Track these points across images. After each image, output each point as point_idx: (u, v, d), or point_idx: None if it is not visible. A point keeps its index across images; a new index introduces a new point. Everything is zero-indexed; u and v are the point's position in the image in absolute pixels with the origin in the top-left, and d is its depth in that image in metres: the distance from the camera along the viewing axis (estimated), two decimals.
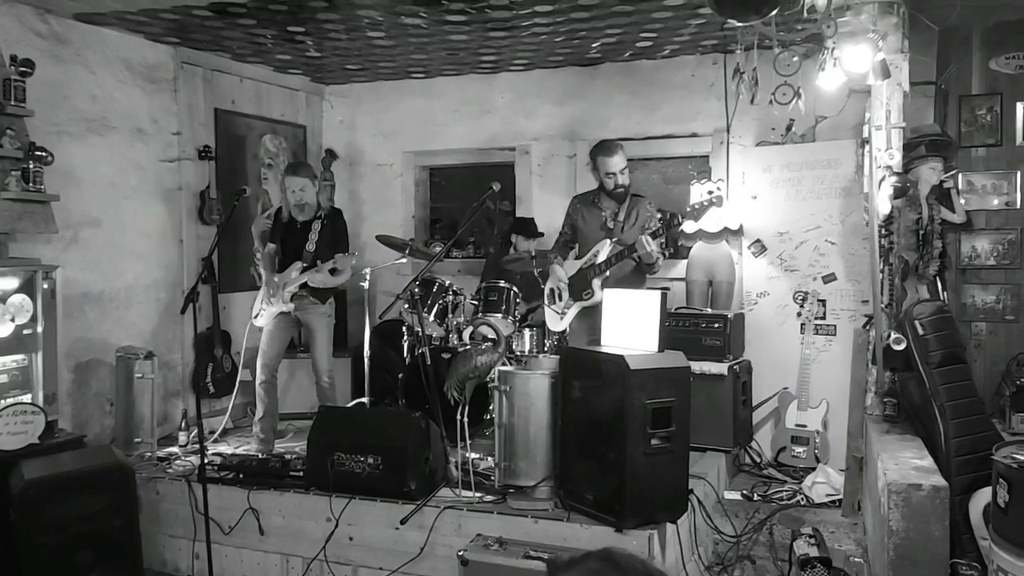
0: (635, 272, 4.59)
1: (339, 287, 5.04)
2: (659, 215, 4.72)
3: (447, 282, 5.18)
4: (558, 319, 4.78)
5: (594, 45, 5.51)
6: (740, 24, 3.43)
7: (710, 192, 4.54)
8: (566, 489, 3.77)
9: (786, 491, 4.68)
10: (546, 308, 4.83)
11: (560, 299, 4.73)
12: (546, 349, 4.92)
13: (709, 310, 5.32)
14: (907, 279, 4.41)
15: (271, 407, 4.97)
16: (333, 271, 4.81)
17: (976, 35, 5.11)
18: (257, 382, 4.98)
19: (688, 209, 4.49)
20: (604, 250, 4.57)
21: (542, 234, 5.80)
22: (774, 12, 3.25)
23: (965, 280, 5.24)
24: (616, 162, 4.60)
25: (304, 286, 4.84)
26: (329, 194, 6.77)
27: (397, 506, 3.86)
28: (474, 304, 5.14)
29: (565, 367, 3.83)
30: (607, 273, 4.54)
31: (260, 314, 5.00)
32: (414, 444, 3.95)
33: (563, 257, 4.85)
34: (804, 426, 5.07)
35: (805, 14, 3.64)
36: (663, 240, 4.58)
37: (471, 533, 3.67)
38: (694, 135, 5.92)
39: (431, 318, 5.06)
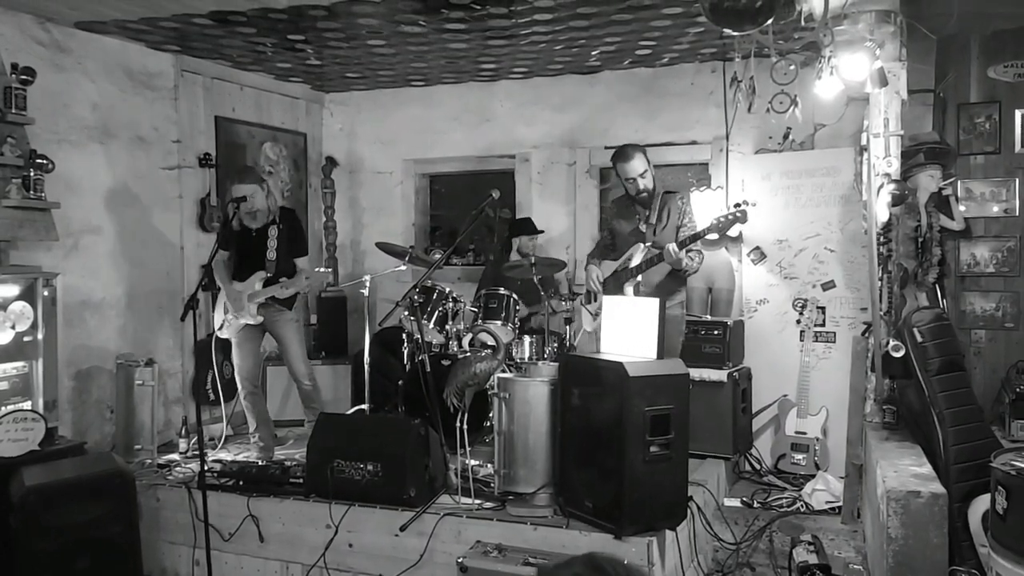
0: (671, 276, 4.53)
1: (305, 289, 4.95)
2: (689, 211, 4.58)
3: (447, 289, 5.19)
4: (591, 319, 4.79)
5: (593, 53, 5.53)
6: (736, 34, 3.44)
7: (737, 205, 4.49)
8: (565, 496, 3.77)
9: (786, 498, 4.68)
10: (582, 307, 4.86)
11: (595, 300, 4.75)
12: (545, 356, 4.92)
13: (708, 317, 5.34)
14: (906, 286, 4.41)
15: (262, 416, 4.96)
16: (296, 280, 4.72)
17: (974, 43, 5.13)
18: (241, 396, 4.94)
19: (714, 222, 4.45)
20: (637, 255, 4.55)
21: (541, 231, 5.82)
22: (770, 21, 3.26)
23: (964, 287, 5.25)
24: (634, 167, 4.54)
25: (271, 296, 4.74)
26: (329, 201, 6.80)
27: (396, 513, 3.86)
28: (474, 311, 5.15)
29: (564, 374, 3.83)
30: (639, 278, 4.53)
31: (224, 325, 4.87)
32: (414, 451, 3.95)
33: (601, 259, 4.83)
34: (804, 433, 5.07)
35: (803, 23, 3.66)
36: (697, 256, 4.49)
37: (470, 540, 3.67)
38: (693, 143, 5.94)
39: (431, 325, 5.07)
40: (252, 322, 4.78)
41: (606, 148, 6.09)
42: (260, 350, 5.05)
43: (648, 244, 4.53)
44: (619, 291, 4.60)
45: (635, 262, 4.54)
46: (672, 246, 4.30)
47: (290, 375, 5.02)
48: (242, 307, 4.75)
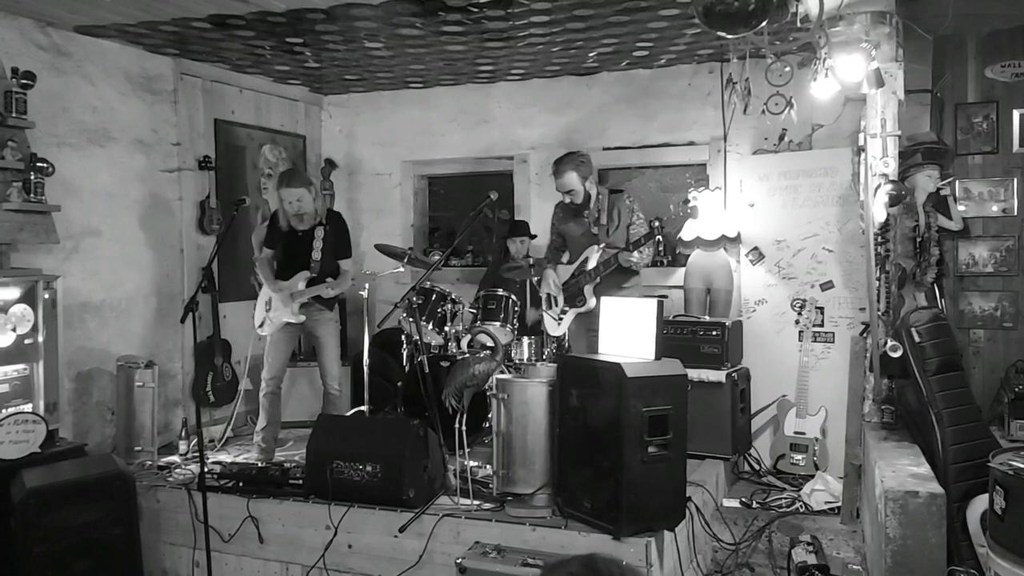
0: (618, 272, 4.63)
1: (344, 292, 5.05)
2: (636, 209, 4.72)
3: (446, 290, 5.21)
4: (555, 324, 4.84)
5: (591, 55, 5.54)
6: (730, 37, 3.45)
7: (651, 222, 4.61)
8: (564, 497, 3.78)
9: (785, 498, 4.68)
10: (544, 313, 4.89)
11: (556, 304, 4.80)
12: (544, 357, 4.93)
13: (707, 318, 5.34)
14: (904, 286, 4.42)
15: (274, 417, 4.95)
16: (342, 280, 4.85)
17: (971, 43, 5.14)
18: (261, 393, 4.95)
19: (633, 243, 4.54)
20: (593, 257, 4.63)
21: (534, 236, 5.85)
22: (763, 24, 3.26)
23: (963, 287, 5.25)
24: (565, 182, 4.68)
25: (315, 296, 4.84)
26: (329, 203, 6.81)
27: (396, 514, 3.87)
28: (472, 312, 5.16)
29: (563, 375, 3.84)
30: (598, 280, 4.60)
31: (265, 323, 4.92)
32: (413, 452, 3.96)
33: (556, 263, 4.90)
34: (803, 433, 5.08)
35: (798, 24, 3.67)
36: (648, 248, 4.57)
37: (469, 541, 3.68)
38: (691, 143, 5.94)
39: (430, 326, 5.08)
40: (294, 321, 4.81)
41: (604, 149, 6.10)
42: (290, 352, 5.07)
43: (603, 246, 4.59)
44: (579, 294, 4.67)
45: (591, 264, 4.63)
46: (624, 253, 4.49)
47: (321, 376, 5.03)
48: (285, 304, 4.79)
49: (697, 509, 4.03)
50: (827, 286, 5.28)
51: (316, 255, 4.82)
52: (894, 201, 4.02)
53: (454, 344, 5.12)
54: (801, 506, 4.58)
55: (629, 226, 4.66)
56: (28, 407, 4.23)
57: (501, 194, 4.98)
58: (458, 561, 3.46)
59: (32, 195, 4.33)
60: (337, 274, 4.91)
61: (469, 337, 5.08)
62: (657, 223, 4.50)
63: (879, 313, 4.14)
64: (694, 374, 4.67)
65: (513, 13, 4.53)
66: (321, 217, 4.90)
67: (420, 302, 4.91)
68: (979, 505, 3.39)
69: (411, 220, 6.93)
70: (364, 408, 5.02)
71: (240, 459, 4.95)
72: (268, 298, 4.95)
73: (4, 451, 3.93)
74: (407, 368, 5.21)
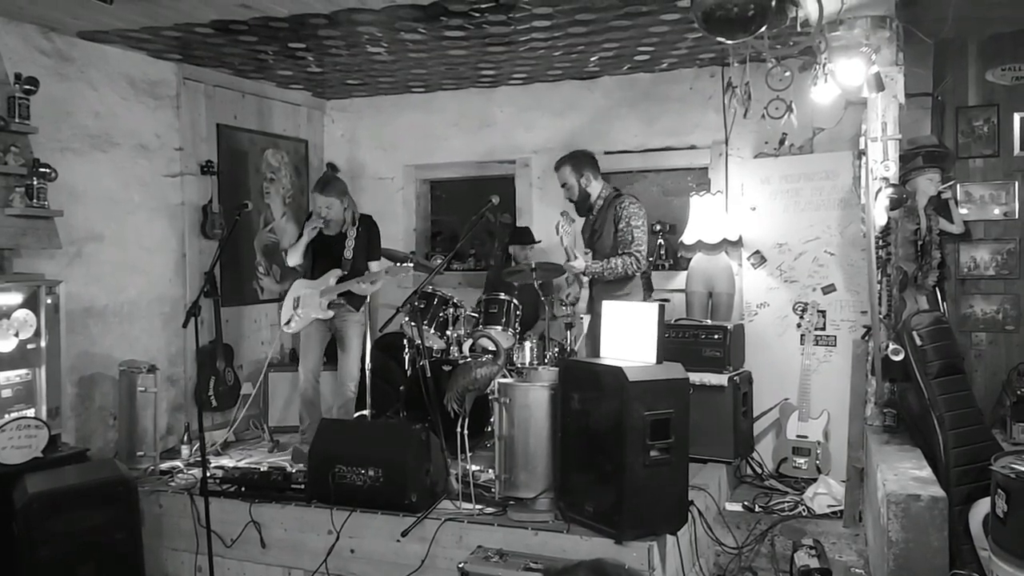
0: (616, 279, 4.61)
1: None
2: (627, 216, 4.53)
3: (448, 295, 5.21)
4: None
5: (592, 59, 5.55)
6: (730, 42, 3.45)
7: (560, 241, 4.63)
8: (566, 501, 3.78)
9: (787, 502, 4.68)
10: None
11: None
12: (546, 361, 4.94)
13: (709, 321, 5.34)
14: (906, 290, 4.42)
15: (314, 417, 4.96)
16: (374, 282, 4.92)
17: (972, 47, 5.14)
18: (300, 390, 5.06)
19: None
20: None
21: (538, 241, 5.84)
22: (763, 29, 3.27)
23: (965, 291, 5.25)
24: (559, 176, 4.72)
25: (343, 294, 4.91)
26: None
27: (398, 518, 3.87)
28: (474, 316, 5.17)
29: (564, 379, 3.84)
30: (584, 285, 4.68)
31: (292, 320, 5.01)
32: (415, 457, 3.96)
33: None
34: (805, 437, 5.08)
35: (799, 28, 3.67)
36: (618, 260, 4.52)
37: (472, 545, 3.68)
38: (693, 147, 5.94)
39: (432, 330, 5.08)
40: (322, 317, 4.92)
41: (606, 153, 6.09)
42: (324, 347, 5.14)
43: (587, 251, 4.62)
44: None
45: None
46: (569, 263, 4.54)
47: (338, 378, 5.08)
48: (312, 301, 4.91)
49: (699, 513, 4.03)
50: (829, 289, 5.28)
51: (348, 253, 4.97)
52: (895, 204, 4.02)
53: (456, 348, 5.13)
54: (803, 510, 4.57)
55: (615, 233, 4.55)
56: (30, 412, 4.24)
57: (503, 198, 5.00)
58: (460, 565, 3.46)
59: (35, 200, 4.34)
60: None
61: (471, 341, 5.08)
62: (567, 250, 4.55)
63: (880, 316, 4.14)
64: (696, 378, 4.66)
65: (515, 18, 4.54)
66: (350, 223, 5.03)
67: (422, 306, 4.92)
68: (981, 508, 3.38)
69: (413, 224, 6.94)
70: (366, 412, 5.02)
71: (243, 463, 4.95)
72: (297, 296, 5.03)
73: (7, 456, 3.93)
74: (409, 372, 5.21)
